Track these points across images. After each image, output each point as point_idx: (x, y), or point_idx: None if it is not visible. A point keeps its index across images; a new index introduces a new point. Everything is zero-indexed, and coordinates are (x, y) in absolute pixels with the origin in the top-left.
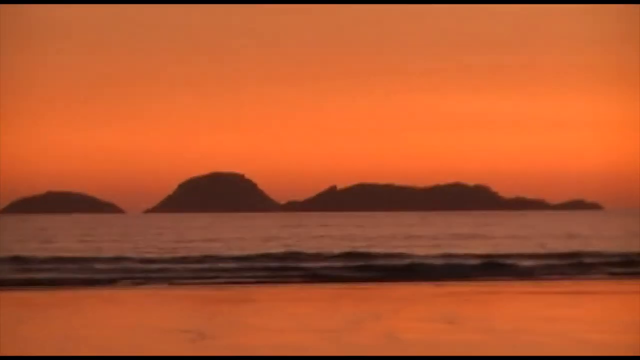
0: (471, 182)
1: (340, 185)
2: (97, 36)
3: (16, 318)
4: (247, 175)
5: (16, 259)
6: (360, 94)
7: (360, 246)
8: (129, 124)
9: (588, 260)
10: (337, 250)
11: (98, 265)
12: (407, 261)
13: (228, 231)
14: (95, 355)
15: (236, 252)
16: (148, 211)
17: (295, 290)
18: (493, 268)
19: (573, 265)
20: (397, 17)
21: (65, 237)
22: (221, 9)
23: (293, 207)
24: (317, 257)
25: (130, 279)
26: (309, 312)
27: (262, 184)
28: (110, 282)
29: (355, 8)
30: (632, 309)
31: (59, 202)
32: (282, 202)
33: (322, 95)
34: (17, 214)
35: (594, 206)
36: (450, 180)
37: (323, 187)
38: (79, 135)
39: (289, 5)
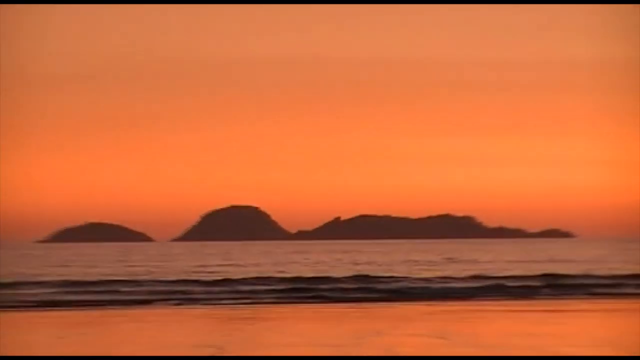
0: (459, 213)
1: (344, 216)
2: (113, 72)
3: (55, 335)
4: (261, 208)
5: (62, 283)
6: (361, 135)
7: (363, 270)
8: (152, 158)
9: (567, 281)
10: (342, 273)
11: (130, 288)
12: (404, 283)
13: (245, 257)
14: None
15: (252, 275)
16: (174, 240)
17: (303, 310)
18: (481, 289)
19: (553, 286)
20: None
21: (103, 262)
22: (235, 38)
23: (303, 236)
24: (324, 280)
25: (161, 300)
26: (317, 329)
27: (274, 215)
28: (144, 303)
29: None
30: (608, 326)
31: (97, 232)
32: (293, 231)
33: (326, 134)
34: (60, 243)
35: (568, 234)
36: (441, 212)
37: (329, 218)
38: (108, 169)
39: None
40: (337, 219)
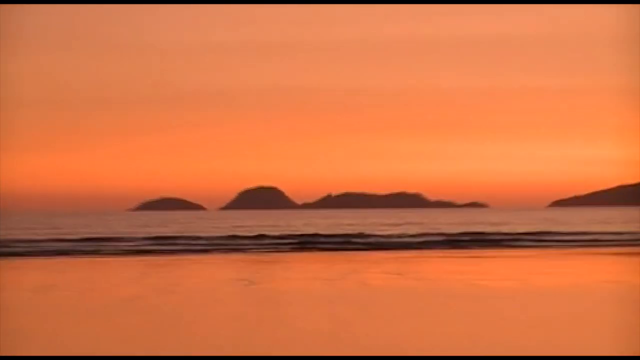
0: (410, 190)
1: (334, 192)
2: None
3: (142, 272)
4: (278, 187)
5: (149, 239)
6: (348, 135)
7: (347, 230)
8: (202, 150)
9: (493, 237)
10: (335, 230)
11: (193, 242)
12: (375, 239)
13: (270, 220)
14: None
15: (276, 233)
16: (221, 209)
17: (309, 256)
18: (426, 242)
19: (479, 240)
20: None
21: (176, 226)
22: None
23: (306, 206)
24: (323, 236)
25: (216, 250)
26: (317, 268)
27: (287, 192)
28: (204, 252)
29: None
30: (514, 266)
31: (168, 204)
32: (300, 203)
33: (321, 135)
34: (143, 211)
35: (484, 205)
36: (398, 189)
37: (323, 194)
38: (175, 155)
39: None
40: (329, 195)
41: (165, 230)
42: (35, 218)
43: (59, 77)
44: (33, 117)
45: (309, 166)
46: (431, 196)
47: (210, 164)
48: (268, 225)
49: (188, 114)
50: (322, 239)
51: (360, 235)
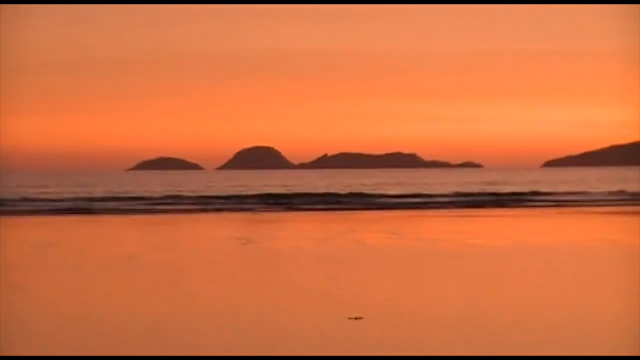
0: (405, 151)
1: (330, 152)
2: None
3: (145, 230)
4: (275, 147)
5: (147, 198)
6: (345, 99)
7: (344, 189)
8: (200, 111)
9: (487, 197)
10: (331, 190)
11: (191, 201)
12: (371, 198)
13: (268, 180)
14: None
15: (273, 191)
16: (218, 168)
17: (304, 215)
18: (421, 203)
19: (475, 200)
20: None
21: (174, 185)
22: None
23: (302, 166)
24: (318, 195)
25: (213, 209)
26: (312, 228)
27: (283, 152)
28: (201, 211)
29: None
30: (508, 225)
31: (166, 164)
32: (296, 163)
33: (320, 98)
34: (141, 170)
35: (478, 165)
36: (394, 150)
37: (319, 154)
38: (174, 117)
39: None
40: (325, 155)
41: (163, 190)
42: (37, 177)
43: (61, 44)
44: (37, 80)
45: (306, 127)
46: (426, 156)
47: (208, 125)
48: (264, 185)
49: (187, 76)
50: (316, 199)
51: (356, 194)
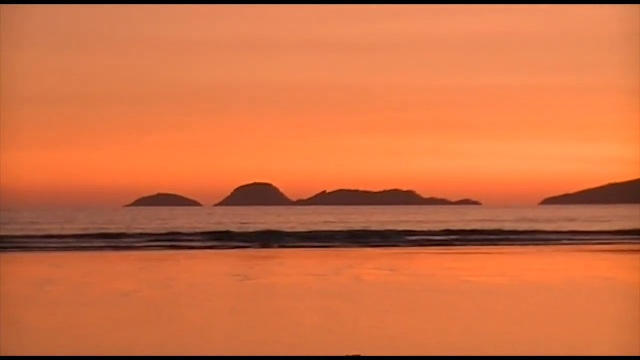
0: (404, 188)
1: (328, 189)
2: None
3: (142, 268)
4: (273, 183)
5: (145, 234)
6: (341, 134)
7: (340, 227)
8: (197, 148)
9: (485, 235)
10: (329, 228)
11: (188, 237)
12: (370, 236)
13: (267, 218)
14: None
15: (272, 227)
16: (217, 204)
17: (300, 252)
18: (420, 239)
19: (472, 238)
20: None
21: (171, 222)
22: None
23: (301, 202)
24: (313, 232)
25: (210, 246)
26: (309, 264)
27: (281, 188)
28: (198, 248)
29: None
30: (506, 263)
31: (164, 200)
32: (294, 199)
33: (317, 133)
34: (139, 206)
35: (476, 203)
36: (392, 186)
37: (317, 190)
38: (173, 152)
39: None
40: (324, 191)
41: (160, 226)
42: (34, 214)
43: (56, 76)
44: (34, 114)
45: (304, 162)
46: (424, 193)
47: (206, 160)
48: (261, 221)
49: (183, 110)
50: (313, 235)
51: (354, 232)
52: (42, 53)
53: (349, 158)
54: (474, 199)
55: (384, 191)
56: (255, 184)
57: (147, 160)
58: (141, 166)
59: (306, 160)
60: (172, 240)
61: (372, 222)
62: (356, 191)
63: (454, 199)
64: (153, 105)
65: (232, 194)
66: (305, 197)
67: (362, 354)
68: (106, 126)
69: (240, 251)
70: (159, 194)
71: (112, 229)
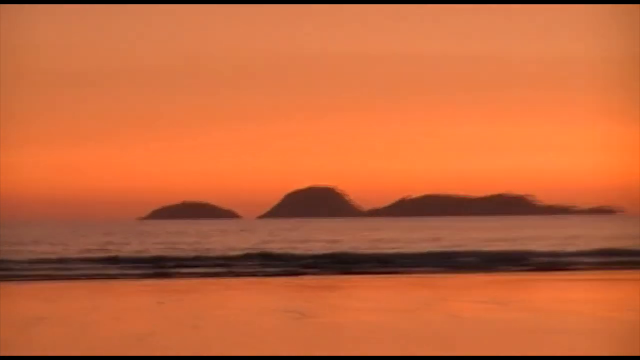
0: (513, 192)
1: (412, 194)
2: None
3: (162, 303)
4: (337, 188)
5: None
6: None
7: (429, 246)
8: (242, 146)
9: (617, 258)
10: (413, 249)
11: (221, 261)
12: (466, 257)
13: (329, 234)
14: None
15: (333, 247)
16: (260, 217)
17: (373, 280)
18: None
19: (602, 262)
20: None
21: (199, 240)
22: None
23: (375, 213)
24: (391, 255)
25: (250, 272)
26: (388, 295)
27: (350, 194)
28: (233, 275)
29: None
30: None
31: (192, 211)
32: (366, 209)
33: (394, 124)
34: (158, 220)
35: (613, 211)
36: (496, 191)
37: (397, 196)
38: (202, 153)
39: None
40: (406, 198)
41: (185, 246)
42: (26, 230)
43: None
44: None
45: (378, 162)
46: (543, 199)
47: (248, 160)
48: (321, 239)
49: (219, 100)
50: (394, 257)
51: (446, 254)
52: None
53: (437, 153)
54: (610, 206)
55: (487, 197)
56: (312, 188)
57: (170, 160)
58: (161, 167)
59: (381, 158)
60: (201, 264)
61: (471, 240)
62: (449, 197)
63: (584, 206)
64: (170, 93)
65: (281, 201)
66: (380, 205)
67: None
68: (120, 119)
69: (291, 279)
70: (184, 203)
71: (125, 250)
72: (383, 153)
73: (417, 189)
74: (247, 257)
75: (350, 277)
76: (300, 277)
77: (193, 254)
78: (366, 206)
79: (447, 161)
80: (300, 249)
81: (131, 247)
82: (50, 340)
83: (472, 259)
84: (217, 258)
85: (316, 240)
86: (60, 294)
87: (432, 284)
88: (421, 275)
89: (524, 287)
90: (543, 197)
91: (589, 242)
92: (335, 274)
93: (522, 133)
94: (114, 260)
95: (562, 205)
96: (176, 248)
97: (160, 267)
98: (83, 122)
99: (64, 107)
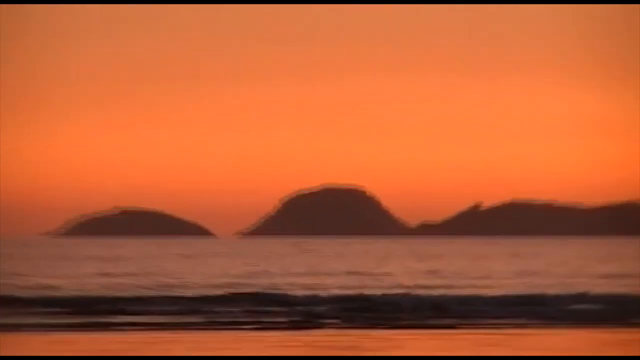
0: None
1: (487, 202)
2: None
3: None
4: (368, 191)
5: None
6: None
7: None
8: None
9: None
10: (483, 292)
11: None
12: (579, 302)
13: (350, 263)
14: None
15: (357, 291)
16: (242, 234)
17: (421, 336)
18: None
19: None
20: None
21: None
22: None
23: (428, 229)
24: (450, 297)
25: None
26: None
27: (387, 202)
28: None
29: None
30: None
31: (133, 222)
32: (414, 224)
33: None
34: (88, 236)
35: None
36: (625, 198)
37: (464, 205)
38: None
39: None
40: (477, 206)
41: (124, 279)
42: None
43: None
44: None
45: (429, 154)
46: None
47: (218, 150)
48: (339, 271)
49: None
50: (463, 305)
51: (535, 298)
52: None
53: (519, 149)
54: None
55: (600, 208)
56: (329, 189)
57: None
58: (85, 165)
59: (433, 149)
60: (151, 310)
61: (580, 272)
62: (543, 205)
63: None
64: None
65: (276, 212)
66: (437, 218)
67: None
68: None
69: (295, 336)
70: (121, 212)
71: (31, 284)
72: (430, 140)
73: (493, 193)
74: (225, 300)
75: (386, 332)
76: (308, 331)
77: (142, 292)
78: (413, 220)
79: (532, 157)
80: (309, 287)
81: (36, 280)
82: None
83: (591, 306)
84: (178, 299)
85: (333, 272)
86: None
87: (520, 346)
88: (500, 331)
89: None
90: None
91: None
92: (361, 328)
93: None
94: (8, 302)
95: None
96: (114, 283)
97: (90, 313)
98: None
99: None
